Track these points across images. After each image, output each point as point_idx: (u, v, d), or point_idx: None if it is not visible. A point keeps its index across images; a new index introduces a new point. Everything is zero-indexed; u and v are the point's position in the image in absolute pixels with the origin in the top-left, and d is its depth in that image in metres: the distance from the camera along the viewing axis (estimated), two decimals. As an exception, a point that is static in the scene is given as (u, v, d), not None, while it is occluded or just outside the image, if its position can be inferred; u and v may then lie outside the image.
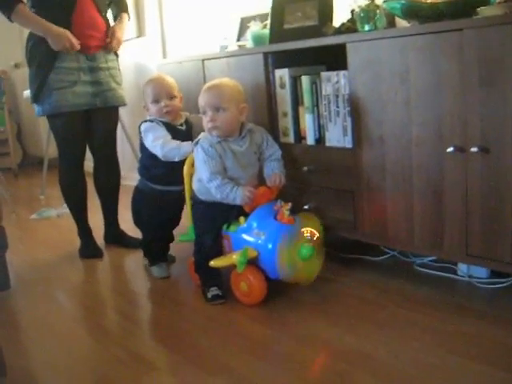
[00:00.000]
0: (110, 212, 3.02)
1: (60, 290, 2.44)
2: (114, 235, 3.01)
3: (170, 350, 1.83)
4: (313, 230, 2.07)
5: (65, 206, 3.03)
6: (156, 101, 2.36)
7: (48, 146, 4.55)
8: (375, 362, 1.62)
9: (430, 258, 2.27)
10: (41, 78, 2.62)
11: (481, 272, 2.08)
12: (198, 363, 1.75)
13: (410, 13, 1.94)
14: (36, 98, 2.67)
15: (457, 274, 2.14)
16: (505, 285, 2.00)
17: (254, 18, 2.89)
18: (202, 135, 2.16)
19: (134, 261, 2.76)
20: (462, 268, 2.12)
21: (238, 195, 2.06)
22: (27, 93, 4.63)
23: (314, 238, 2.06)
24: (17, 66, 6.09)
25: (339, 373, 1.59)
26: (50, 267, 2.71)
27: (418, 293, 2.04)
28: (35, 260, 2.86)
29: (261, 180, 2.24)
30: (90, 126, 2.79)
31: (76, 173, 2.82)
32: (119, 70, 2.87)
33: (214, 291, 2.14)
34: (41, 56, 2.61)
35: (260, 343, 1.83)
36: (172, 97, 2.37)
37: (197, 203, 2.24)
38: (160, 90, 2.36)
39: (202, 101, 2.12)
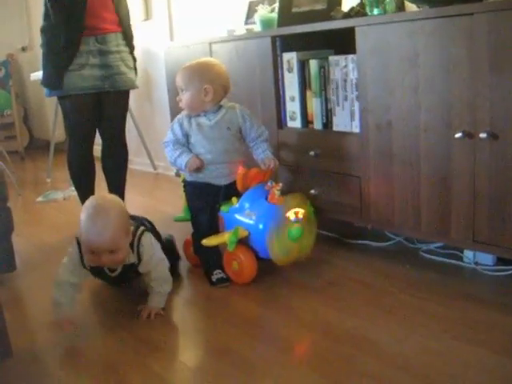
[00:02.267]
0: (116, 195, 3.01)
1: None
2: None
3: (173, 332, 1.83)
4: (300, 209, 2.07)
5: (71, 188, 3.04)
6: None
7: (55, 130, 4.56)
8: (379, 347, 1.62)
9: (435, 245, 2.26)
10: (65, 60, 2.62)
11: (487, 259, 2.07)
12: (202, 345, 1.76)
13: (419, -4, 1.92)
14: (48, 81, 2.68)
15: (463, 261, 2.13)
16: (511, 272, 1.99)
17: (261, 1, 2.87)
18: None
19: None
20: (468, 255, 2.11)
21: (183, 160, 2.13)
22: (34, 75, 4.65)
23: (302, 218, 2.06)
24: (24, 49, 6.08)
25: (343, 356, 1.58)
26: (56, 249, 2.71)
27: (424, 279, 2.03)
28: (41, 242, 2.87)
29: (250, 160, 2.25)
30: (101, 109, 2.78)
31: (85, 155, 2.82)
32: (131, 54, 2.83)
33: (218, 274, 2.14)
34: (50, 39, 2.61)
35: (261, 326, 1.84)
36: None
37: (186, 184, 2.28)
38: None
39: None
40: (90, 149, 2.83)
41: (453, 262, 2.14)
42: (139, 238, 1.89)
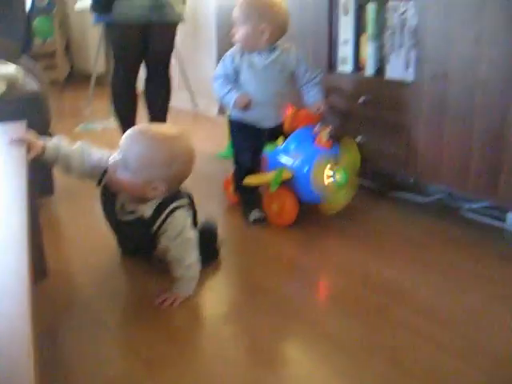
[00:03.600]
0: None
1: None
2: None
3: (208, 269, 1.80)
4: (349, 157, 2.04)
5: (111, 119, 3.04)
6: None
7: (97, 61, 4.53)
8: (416, 299, 1.60)
9: (478, 205, 2.21)
10: None
11: (530, 223, 2.03)
12: (237, 283, 1.77)
13: None
14: (97, 8, 2.65)
15: (505, 223, 2.08)
16: (555, 237, 1.94)
17: None
18: None
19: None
20: (511, 218, 2.06)
21: (232, 97, 2.07)
22: (80, 4, 4.60)
23: (350, 166, 2.03)
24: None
25: (378, 306, 1.57)
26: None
27: (465, 237, 2.00)
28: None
29: (299, 106, 2.20)
30: (147, 40, 2.75)
31: (129, 85, 2.82)
32: None
33: (255, 214, 2.14)
34: None
35: (298, 268, 1.83)
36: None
37: (231, 121, 2.25)
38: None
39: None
40: (135, 79, 2.82)
41: (495, 223, 2.09)
42: (173, 210, 1.59)
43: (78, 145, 1.64)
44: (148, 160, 1.51)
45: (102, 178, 1.65)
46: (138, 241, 1.70)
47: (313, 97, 2.18)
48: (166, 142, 1.54)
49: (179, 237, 1.59)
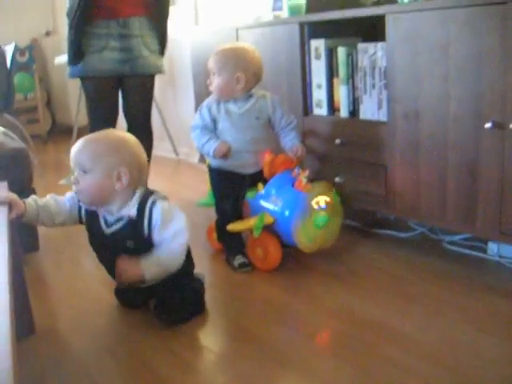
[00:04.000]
0: None
1: (88, 255, 2.45)
2: None
3: (198, 316, 1.82)
4: (326, 197, 2.07)
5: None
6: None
7: (78, 114, 4.58)
8: (402, 336, 1.61)
9: (459, 237, 2.24)
10: (73, 42, 2.61)
11: (511, 252, 2.05)
12: (224, 329, 1.77)
13: (452, -16, 1.89)
14: (69, 60, 2.68)
15: (487, 254, 2.11)
16: (536, 266, 1.97)
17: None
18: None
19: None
20: (493, 247, 2.10)
21: (211, 146, 2.10)
22: (58, 59, 4.67)
23: (326, 206, 2.06)
24: (48, 34, 6.10)
25: (365, 344, 1.58)
26: (78, 231, 2.71)
27: (447, 270, 2.02)
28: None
29: (277, 150, 2.24)
30: (123, 92, 2.78)
31: None
32: (159, 37, 2.77)
33: (240, 259, 2.15)
34: (74, 20, 2.60)
35: (284, 311, 1.84)
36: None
37: (210, 170, 2.27)
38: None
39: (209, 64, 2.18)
40: None
41: (477, 254, 2.12)
42: (154, 202, 1.65)
43: (48, 196, 1.72)
44: (97, 152, 1.61)
45: (80, 212, 1.75)
46: (134, 249, 1.67)
47: (290, 141, 2.21)
48: (106, 134, 1.70)
49: (171, 224, 1.65)
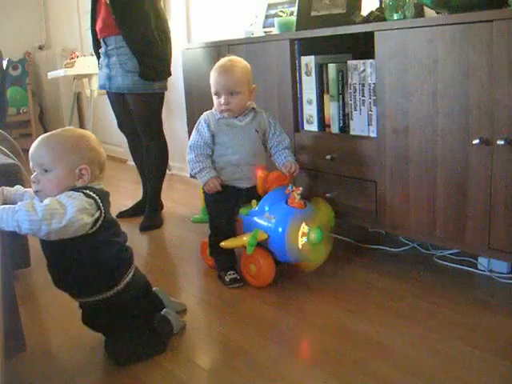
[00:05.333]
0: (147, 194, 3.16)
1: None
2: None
3: (188, 331, 1.83)
4: (322, 215, 2.09)
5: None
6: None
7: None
8: (392, 352, 1.62)
9: (449, 251, 2.26)
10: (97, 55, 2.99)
11: (501, 266, 2.07)
12: (214, 345, 1.77)
13: (439, 2, 1.92)
14: None
15: (477, 268, 2.12)
16: (526, 280, 1.98)
17: (280, 3, 2.88)
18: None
19: (150, 242, 2.82)
20: (483, 262, 2.11)
21: (203, 178, 2.15)
22: (51, 74, 4.68)
23: (324, 224, 2.07)
24: (41, 47, 6.13)
25: (355, 360, 1.59)
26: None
27: (438, 285, 2.03)
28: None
29: (272, 168, 2.26)
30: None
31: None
32: (138, 56, 2.78)
33: (231, 275, 2.15)
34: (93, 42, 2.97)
35: (276, 328, 1.84)
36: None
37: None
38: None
39: (215, 83, 2.17)
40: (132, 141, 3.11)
41: (467, 268, 2.14)
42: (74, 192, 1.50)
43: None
44: (58, 150, 1.54)
45: None
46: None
47: (284, 158, 2.24)
48: (65, 131, 1.61)
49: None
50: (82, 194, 1.49)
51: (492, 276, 2.06)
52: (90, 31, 2.94)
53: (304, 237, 2.02)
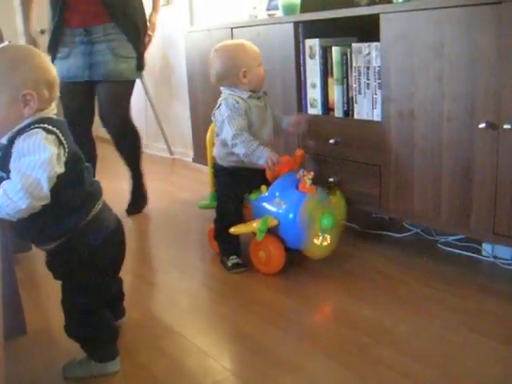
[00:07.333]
0: (132, 181, 3.04)
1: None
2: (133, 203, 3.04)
3: (192, 316, 1.83)
4: (336, 203, 2.07)
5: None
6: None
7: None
8: (396, 337, 1.61)
9: (453, 237, 2.24)
10: (51, 49, 2.82)
11: (505, 253, 2.05)
12: (218, 329, 1.76)
13: (447, -16, 1.89)
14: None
15: (481, 254, 2.11)
16: (530, 266, 1.97)
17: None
18: (224, 95, 2.18)
19: (156, 227, 2.80)
20: (487, 248, 2.09)
21: (263, 155, 2.03)
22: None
23: (336, 211, 2.05)
24: (42, 32, 6.08)
25: (359, 346, 1.58)
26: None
27: (441, 271, 2.02)
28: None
29: (277, 150, 2.21)
30: (97, 97, 2.86)
31: (78, 140, 2.84)
32: (131, 41, 2.78)
33: (233, 260, 2.14)
34: (51, 27, 2.86)
35: (280, 313, 1.83)
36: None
37: (219, 170, 2.25)
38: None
39: (256, 56, 2.18)
40: (85, 134, 2.84)
41: (471, 254, 2.12)
42: (30, 129, 1.33)
43: None
44: None
45: None
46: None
47: (288, 117, 2.27)
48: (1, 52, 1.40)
49: (24, 158, 1.29)
50: (41, 131, 1.32)
51: (496, 262, 2.04)
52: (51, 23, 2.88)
53: (315, 223, 1.99)
